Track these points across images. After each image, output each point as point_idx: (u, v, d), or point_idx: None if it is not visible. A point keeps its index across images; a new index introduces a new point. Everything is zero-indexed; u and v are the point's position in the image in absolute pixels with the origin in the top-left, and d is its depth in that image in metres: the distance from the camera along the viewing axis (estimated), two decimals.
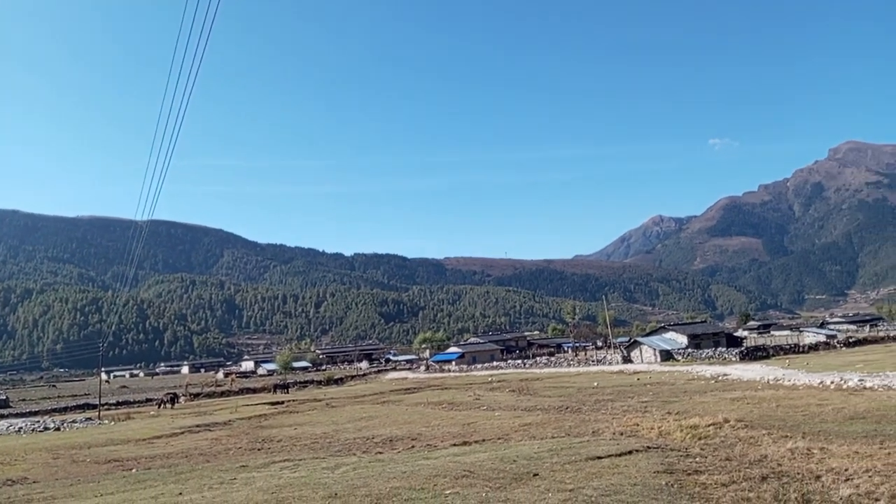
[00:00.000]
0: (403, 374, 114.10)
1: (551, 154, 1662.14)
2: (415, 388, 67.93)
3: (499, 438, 23.92)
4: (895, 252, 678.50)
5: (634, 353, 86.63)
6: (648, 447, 18.28)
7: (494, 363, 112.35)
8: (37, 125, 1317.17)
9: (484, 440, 23.76)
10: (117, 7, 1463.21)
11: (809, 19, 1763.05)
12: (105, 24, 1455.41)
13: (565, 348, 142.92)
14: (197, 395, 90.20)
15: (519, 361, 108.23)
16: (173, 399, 74.31)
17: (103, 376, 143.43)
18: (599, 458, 16.79)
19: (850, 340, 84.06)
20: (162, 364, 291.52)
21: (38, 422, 58.31)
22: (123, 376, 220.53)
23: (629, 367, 75.06)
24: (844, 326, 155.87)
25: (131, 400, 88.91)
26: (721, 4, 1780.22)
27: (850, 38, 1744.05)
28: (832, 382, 35.71)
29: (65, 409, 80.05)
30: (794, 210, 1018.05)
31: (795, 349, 76.27)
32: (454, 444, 23.05)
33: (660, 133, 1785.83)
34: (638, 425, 24.06)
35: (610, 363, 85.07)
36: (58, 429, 52.22)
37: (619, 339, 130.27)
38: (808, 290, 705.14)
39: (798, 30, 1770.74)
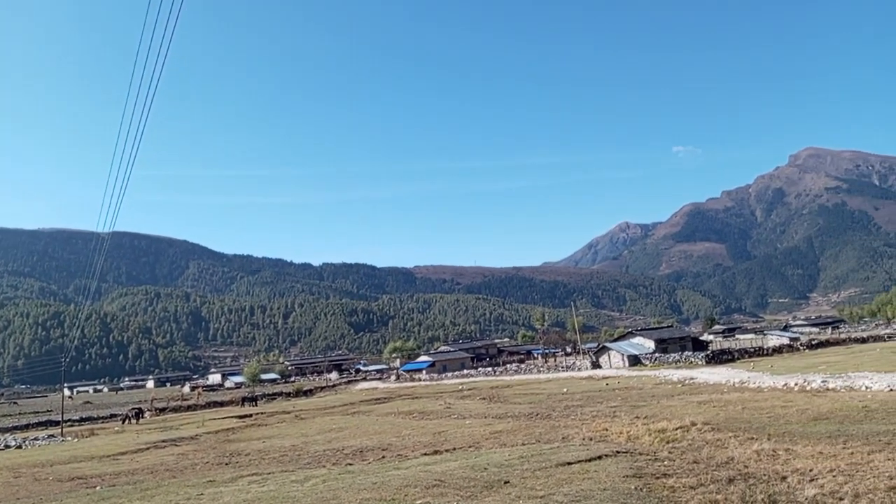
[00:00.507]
0: (374, 384, 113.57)
1: (519, 162, 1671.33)
2: (385, 398, 67.62)
3: (470, 447, 23.90)
4: (855, 256, 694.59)
5: (603, 359, 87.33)
6: (617, 452, 18.43)
7: (465, 371, 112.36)
8: None
9: (455, 449, 23.72)
10: (77, 14, 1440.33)
11: (767, 31, 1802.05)
12: (63, 30, 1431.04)
13: (535, 355, 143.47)
14: (163, 410, 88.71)
15: (489, 369, 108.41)
16: (138, 414, 73.02)
17: (66, 392, 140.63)
18: (569, 463, 16.87)
19: (813, 343, 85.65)
20: (126, 378, 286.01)
21: None
22: (87, 391, 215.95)
23: (598, 372, 75.62)
24: (807, 329, 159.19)
25: (95, 416, 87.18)
26: (682, 16, 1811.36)
27: (808, 49, 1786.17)
28: (796, 384, 36.35)
29: (26, 427, 78.18)
30: (757, 215, 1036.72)
31: (760, 352, 77.52)
32: (425, 454, 22.96)
33: (625, 141, 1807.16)
34: (607, 430, 24.23)
35: (579, 369, 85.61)
36: (19, 447, 51.02)
37: (588, 345, 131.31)
38: (771, 294, 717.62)
39: (758, 41, 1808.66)
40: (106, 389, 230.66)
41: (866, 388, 31.40)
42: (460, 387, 74.34)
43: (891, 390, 29.45)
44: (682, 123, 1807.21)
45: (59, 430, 65.47)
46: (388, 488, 15.41)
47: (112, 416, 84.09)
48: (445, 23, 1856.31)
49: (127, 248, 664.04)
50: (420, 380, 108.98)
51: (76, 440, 53.97)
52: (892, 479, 13.04)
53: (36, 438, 57.53)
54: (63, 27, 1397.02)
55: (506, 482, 15.06)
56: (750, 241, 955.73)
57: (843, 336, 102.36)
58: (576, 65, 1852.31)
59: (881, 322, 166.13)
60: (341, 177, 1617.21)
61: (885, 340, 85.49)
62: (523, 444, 22.75)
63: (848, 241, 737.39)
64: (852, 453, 15.84)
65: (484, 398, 52.03)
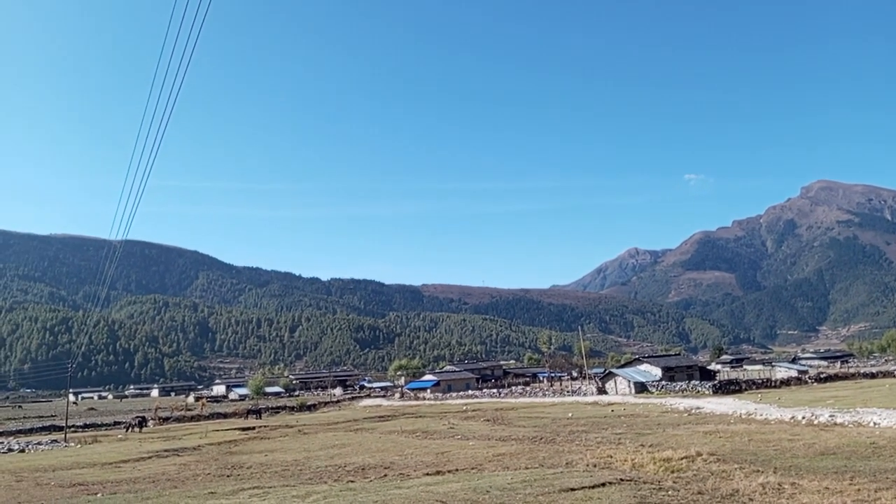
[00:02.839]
0: (378, 401, 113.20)
1: (530, 185, 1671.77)
2: (389, 416, 67.39)
3: (472, 468, 23.78)
4: (865, 290, 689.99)
5: (609, 385, 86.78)
6: (622, 479, 18.29)
7: (470, 392, 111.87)
8: (10, 139, 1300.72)
9: (457, 470, 23.60)
10: (101, 21, 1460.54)
11: (783, 67, 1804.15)
12: (85, 38, 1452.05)
13: (541, 378, 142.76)
14: (166, 419, 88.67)
15: (494, 390, 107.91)
16: (142, 423, 73.00)
17: (71, 398, 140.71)
18: (573, 489, 16.75)
19: (822, 376, 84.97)
20: (131, 386, 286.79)
21: (2, 443, 56.98)
22: (92, 398, 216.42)
23: (604, 398, 75.15)
24: (816, 362, 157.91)
25: (99, 422, 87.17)
26: (696, 49, 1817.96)
27: (823, 84, 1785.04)
28: (803, 418, 36.04)
29: (30, 431, 78.32)
30: (767, 246, 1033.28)
31: (767, 384, 76.94)
32: (427, 474, 22.86)
33: (637, 167, 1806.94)
34: (611, 457, 24.06)
35: (585, 394, 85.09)
36: (22, 450, 51.05)
37: (594, 370, 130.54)
38: (780, 326, 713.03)
39: (773, 75, 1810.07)
40: (111, 396, 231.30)
41: (875, 423, 31.09)
42: (464, 407, 74.04)
43: None
44: (695, 152, 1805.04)
45: (63, 436, 65.53)
46: None
47: (116, 423, 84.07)
48: (459, 49, 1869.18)
49: (137, 257, 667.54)
50: (424, 399, 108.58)
51: (79, 446, 53.99)
52: None
53: (39, 443, 57.60)
54: (84, 37, 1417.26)
55: None
56: (760, 272, 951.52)
57: (852, 370, 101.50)
58: (590, 93, 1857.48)
59: (891, 358, 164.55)
60: (352, 193, 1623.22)
61: (894, 376, 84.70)
62: (526, 468, 22.62)
63: (859, 276, 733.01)
64: (859, 490, 15.68)
65: (488, 420, 51.78)
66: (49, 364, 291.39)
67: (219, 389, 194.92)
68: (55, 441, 59.75)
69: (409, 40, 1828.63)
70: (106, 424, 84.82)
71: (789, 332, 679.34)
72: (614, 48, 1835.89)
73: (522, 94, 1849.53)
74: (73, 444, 57.01)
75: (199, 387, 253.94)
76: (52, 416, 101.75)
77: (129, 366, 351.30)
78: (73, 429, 75.78)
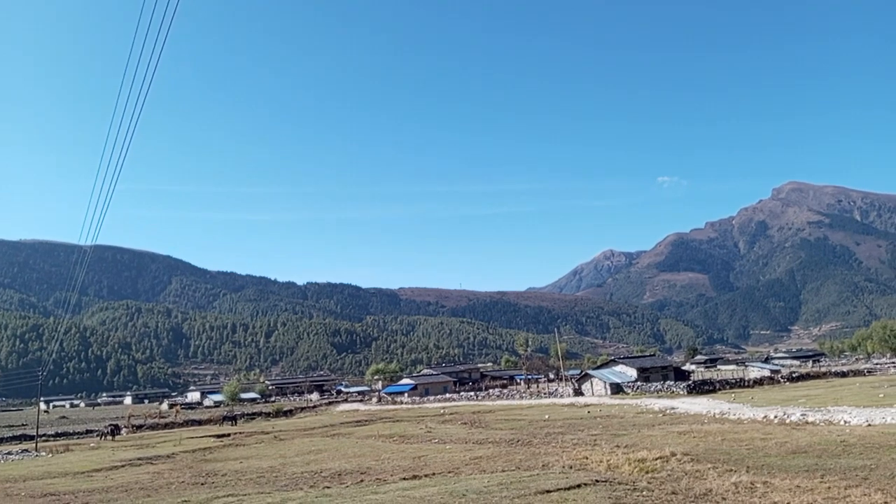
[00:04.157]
0: (355, 405, 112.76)
1: (506, 188, 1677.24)
2: (366, 421, 67.16)
3: (449, 472, 23.77)
4: (836, 290, 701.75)
5: (585, 386, 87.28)
6: (597, 481, 18.40)
7: (447, 395, 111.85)
8: None
9: (434, 474, 23.57)
10: (69, 23, 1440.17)
11: (753, 68, 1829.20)
12: (51, 40, 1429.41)
13: (518, 380, 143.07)
14: (140, 427, 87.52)
15: (472, 393, 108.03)
16: (115, 430, 72.08)
17: (42, 406, 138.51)
18: (548, 491, 16.83)
19: (794, 375, 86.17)
20: (104, 394, 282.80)
21: None
22: (63, 406, 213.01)
23: (580, 399, 75.55)
24: (788, 362, 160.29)
25: (71, 431, 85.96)
26: (669, 51, 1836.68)
27: (793, 86, 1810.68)
28: (776, 417, 36.53)
29: (0, 441, 76.88)
30: (740, 247, 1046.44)
31: (741, 383, 77.84)
32: (404, 478, 22.81)
33: (611, 169, 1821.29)
34: (587, 459, 24.20)
35: (561, 396, 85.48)
36: None
37: (571, 372, 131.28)
38: (752, 326, 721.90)
39: (744, 77, 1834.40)
40: (83, 404, 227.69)
41: (845, 422, 31.63)
42: (442, 411, 73.99)
43: (869, 425, 29.67)
44: (668, 155, 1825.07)
45: (34, 445, 64.46)
46: None
47: (88, 431, 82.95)
48: (435, 53, 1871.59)
49: (109, 262, 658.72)
50: (402, 403, 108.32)
51: (51, 455, 53.13)
52: None
53: (9, 453, 56.59)
54: (49, 38, 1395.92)
55: None
56: (733, 273, 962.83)
57: (823, 370, 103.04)
58: (564, 96, 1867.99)
59: (861, 357, 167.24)
60: (327, 197, 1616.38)
61: (864, 375, 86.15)
62: (503, 471, 22.67)
63: (829, 276, 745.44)
64: (829, 487, 15.92)
65: (465, 423, 51.82)
66: (19, 372, 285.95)
67: (193, 396, 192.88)
68: (26, 451, 58.74)
69: (386, 45, 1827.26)
70: (78, 433, 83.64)
71: (762, 332, 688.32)
72: (588, 51, 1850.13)
73: (497, 98, 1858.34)
74: (44, 453, 56.07)
75: (174, 394, 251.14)
76: (23, 425, 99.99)
77: (101, 373, 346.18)
78: (44, 438, 74.52)
